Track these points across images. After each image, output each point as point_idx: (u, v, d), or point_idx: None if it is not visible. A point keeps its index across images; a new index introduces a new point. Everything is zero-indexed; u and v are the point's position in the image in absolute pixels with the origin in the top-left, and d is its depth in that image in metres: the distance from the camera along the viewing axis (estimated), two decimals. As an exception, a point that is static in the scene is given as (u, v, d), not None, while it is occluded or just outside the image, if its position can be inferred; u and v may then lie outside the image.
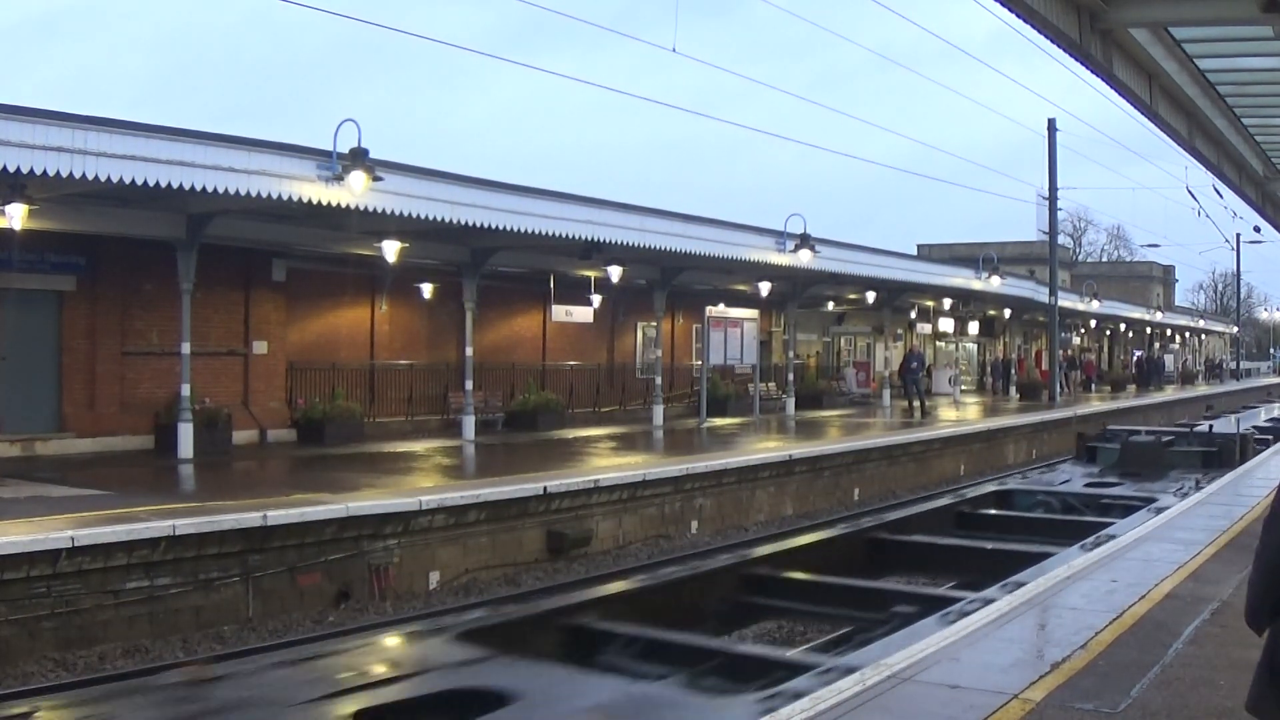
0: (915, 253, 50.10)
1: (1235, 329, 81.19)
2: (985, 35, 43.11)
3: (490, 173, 16.98)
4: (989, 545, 13.07)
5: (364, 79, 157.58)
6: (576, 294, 24.15)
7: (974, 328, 44.04)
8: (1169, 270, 79.02)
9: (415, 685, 6.99)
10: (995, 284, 32.56)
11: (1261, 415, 34.99)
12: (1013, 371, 43.37)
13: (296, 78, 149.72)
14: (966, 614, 7.49)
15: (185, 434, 15.47)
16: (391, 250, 17.55)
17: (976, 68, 79.08)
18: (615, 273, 21.23)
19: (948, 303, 35.85)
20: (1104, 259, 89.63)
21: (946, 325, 40.90)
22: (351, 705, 6.46)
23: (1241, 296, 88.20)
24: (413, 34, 33.96)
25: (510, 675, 7.19)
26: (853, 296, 32.25)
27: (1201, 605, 7.45)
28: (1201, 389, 55.72)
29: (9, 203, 12.71)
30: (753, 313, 26.50)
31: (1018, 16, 9.36)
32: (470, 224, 15.97)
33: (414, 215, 15.30)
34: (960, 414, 30.07)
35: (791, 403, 28.64)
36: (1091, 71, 11.08)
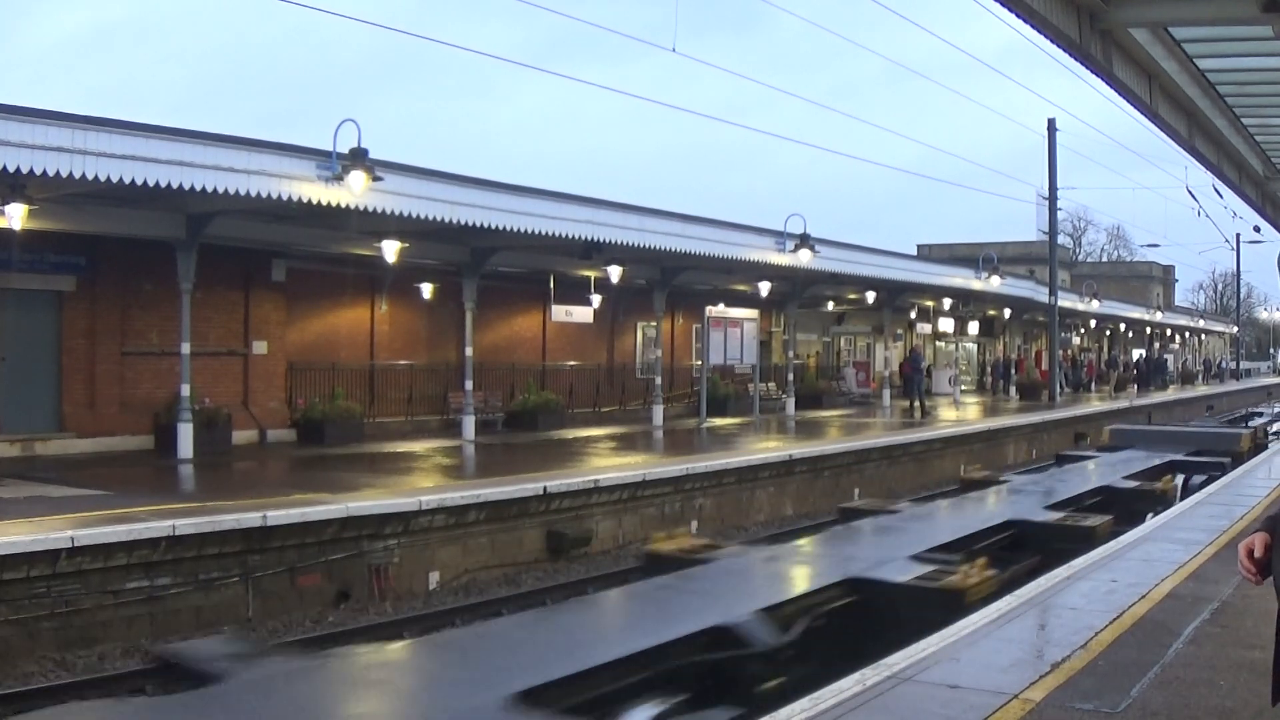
0: (915, 253, 50.09)
1: (1235, 329, 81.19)
2: (995, 48, 43.25)
3: (512, 177, 17.13)
4: None
5: (400, 89, 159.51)
6: (576, 294, 24.13)
7: (974, 328, 44.04)
8: (1169, 270, 79.03)
9: None
10: (995, 284, 32.56)
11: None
12: (1013, 371, 43.38)
13: (335, 87, 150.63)
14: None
15: (185, 434, 15.47)
16: (391, 250, 17.55)
17: (985, 78, 79.19)
18: (615, 273, 21.22)
19: (948, 303, 35.84)
20: (1104, 259, 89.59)
21: (946, 325, 40.89)
22: None
23: (1241, 296, 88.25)
24: (445, 43, 34.03)
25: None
26: (853, 296, 32.24)
27: (1202, 605, 7.45)
28: (1201, 389, 55.74)
29: (9, 203, 12.71)
30: (753, 313, 26.49)
31: (1018, 17, 9.33)
32: (470, 224, 15.98)
33: (414, 215, 15.30)
34: (960, 414, 30.06)
35: (791, 403, 28.63)
36: (1092, 72, 11.05)
